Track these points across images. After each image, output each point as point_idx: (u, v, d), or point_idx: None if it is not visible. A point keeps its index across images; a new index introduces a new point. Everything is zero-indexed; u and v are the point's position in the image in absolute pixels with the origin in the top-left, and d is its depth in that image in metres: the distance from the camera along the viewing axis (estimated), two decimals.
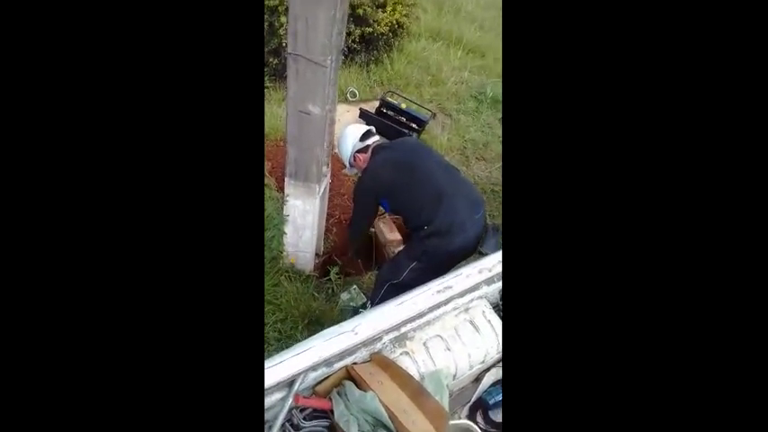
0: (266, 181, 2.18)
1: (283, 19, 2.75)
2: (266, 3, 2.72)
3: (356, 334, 0.97)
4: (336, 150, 1.86)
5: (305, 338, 1.62)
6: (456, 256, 1.63)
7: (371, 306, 1.77)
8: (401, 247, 1.87)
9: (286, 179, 1.62)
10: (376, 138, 1.77)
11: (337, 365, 0.97)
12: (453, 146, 2.93)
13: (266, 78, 3.01)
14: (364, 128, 1.78)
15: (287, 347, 1.59)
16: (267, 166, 2.31)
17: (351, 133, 1.74)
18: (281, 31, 2.78)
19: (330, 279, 1.89)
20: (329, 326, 1.67)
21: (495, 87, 3.45)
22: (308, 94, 1.37)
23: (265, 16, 2.77)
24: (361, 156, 1.70)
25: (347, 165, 1.80)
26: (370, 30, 3.15)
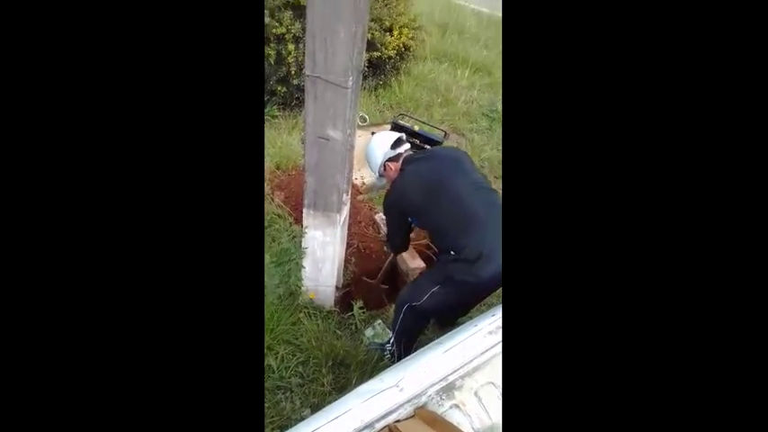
0: (280, 212, 2.07)
1: (291, 47, 2.72)
2: (274, 31, 2.70)
3: (401, 390, 0.83)
4: (365, 160, 1.75)
5: (330, 382, 1.48)
6: (483, 288, 1.48)
7: (393, 332, 1.62)
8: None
9: (304, 210, 1.51)
10: (407, 146, 1.67)
11: (378, 425, 0.83)
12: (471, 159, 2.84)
13: (276, 107, 2.97)
14: (395, 135, 1.66)
15: (311, 393, 1.45)
16: (281, 196, 2.21)
17: (381, 141, 1.63)
18: (290, 60, 2.75)
19: (353, 314, 1.75)
20: (356, 367, 1.53)
21: None
22: (327, 118, 1.28)
23: (273, 45, 2.75)
24: (392, 165, 1.60)
25: (376, 174, 1.69)
26: (378, 54, 3.13)
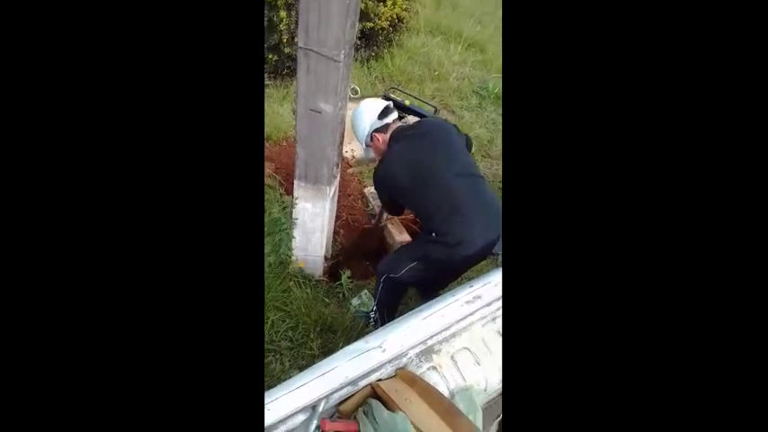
0: (271, 183, 2.09)
1: (283, 14, 2.66)
2: None
3: (384, 351, 0.90)
4: (352, 130, 1.69)
5: (318, 346, 1.56)
6: (460, 265, 1.55)
7: (374, 299, 1.69)
8: None
9: (295, 181, 1.54)
10: (395, 114, 1.61)
11: (362, 383, 0.90)
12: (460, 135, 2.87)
13: (266, 76, 2.92)
14: (383, 103, 1.59)
15: (300, 356, 1.53)
16: (271, 167, 2.23)
17: (368, 109, 1.56)
18: (282, 27, 2.69)
19: (341, 283, 1.82)
20: (342, 333, 1.62)
21: (497, 83, 3.40)
22: (319, 91, 1.29)
23: (264, 11, 2.67)
24: (379, 136, 1.54)
25: (362, 145, 1.63)
26: (371, 25, 3.07)
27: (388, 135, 1.54)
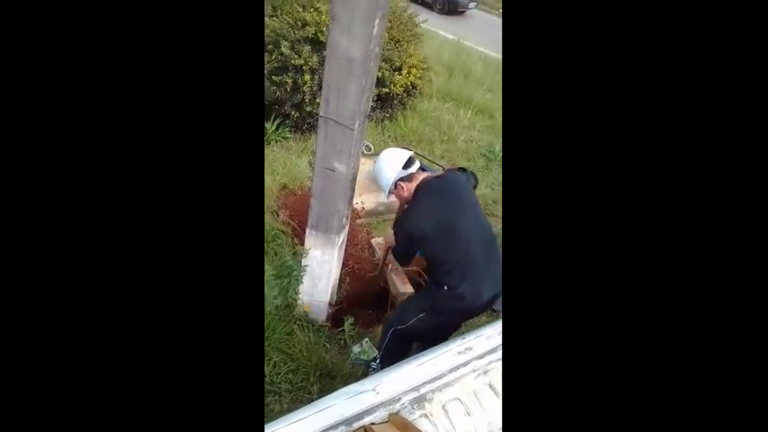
0: (283, 228, 2.23)
1: (307, 77, 2.96)
2: (293, 62, 2.94)
3: (377, 393, 0.97)
4: (375, 178, 1.75)
5: (316, 390, 1.60)
6: (464, 317, 1.65)
7: (379, 352, 1.74)
8: None
9: (307, 230, 1.68)
10: (417, 164, 1.66)
11: (356, 425, 0.96)
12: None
13: (288, 130, 3.18)
14: (407, 153, 1.64)
15: (299, 399, 1.57)
16: (286, 213, 2.38)
17: (393, 160, 1.61)
18: (305, 89, 2.98)
19: (343, 330, 1.88)
20: (341, 380, 1.66)
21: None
22: (335, 153, 1.46)
23: (291, 74, 2.98)
24: (404, 185, 1.60)
25: (385, 192, 1.67)
26: (387, 90, 3.36)
27: (414, 185, 1.61)
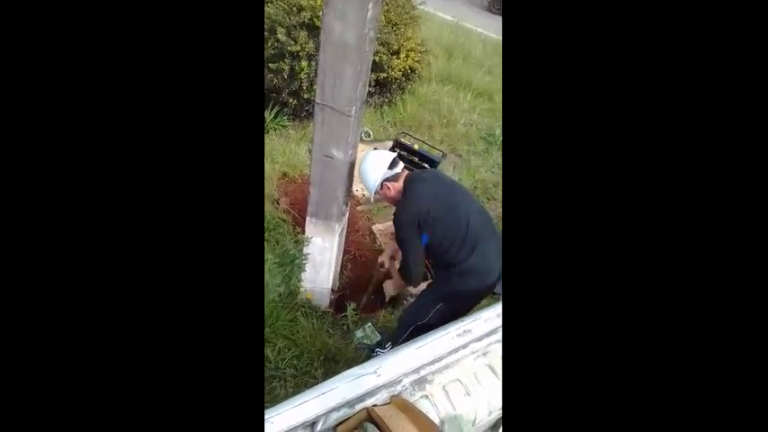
0: (284, 217, 2.25)
1: (304, 63, 2.92)
2: (290, 48, 2.91)
3: (378, 376, 0.99)
4: (360, 178, 1.74)
5: (321, 375, 1.64)
6: (481, 295, 1.66)
7: (393, 345, 1.76)
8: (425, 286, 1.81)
9: (307, 218, 1.69)
10: (401, 164, 1.72)
11: (358, 406, 0.99)
12: (464, 185, 3.01)
13: (286, 118, 3.16)
14: (390, 155, 1.68)
15: (303, 384, 1.61)
16: (287, 202, 2.39)
17: (377, 161, 1.65)
18: (302, 75, 2.95)
19: (345, 315, 1.91)
20: (345, 363, 1.69)
21: None
22: (332, 140, 1.46)
23: (287, 60, 2.95)
24: (391, 185, 1.64)
25: (371, 193, 1.70)
26: (385, 75, 3.32)
27: (400, 183, 1.65)
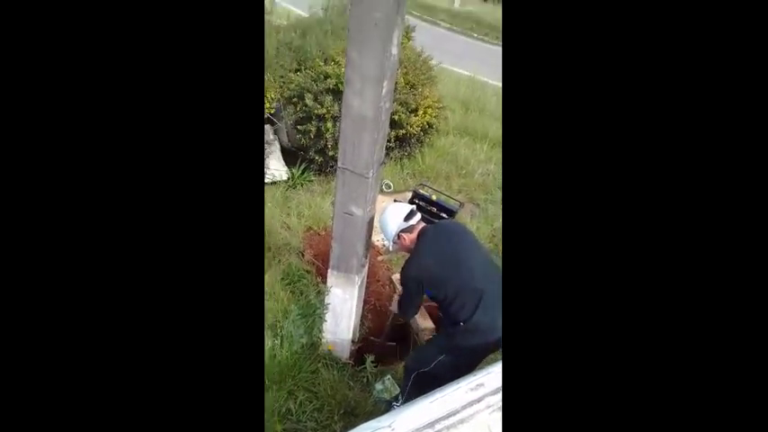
0: (309, 268, 2.35)
1: (329, 125, 3.18)
2: (316, 111, 3.18)
3: (393, 430, 1.02)
4: (380, 229, 1.87)
5: (340, 429, 1.65)
6: (486, 352, 1.68)
7: (402, 396, 1.78)
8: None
9: (329, 271, 1.79)
10: (418, 216, 1.81)
11: None
12: (482, 234, 3.05)
13: (311, 173, 3.38)
14: (407, 207, 1.79)
15: None
16: (311, 253, 2.51)
17: (394, 213, 1.77)
18: (327, 135, 3.20)
19: (365, 368, 1.93)
20: (364, 416, 1.70)
21: None
22: (351, 199, 1.59)
23: (314, 122, 3.21)
24: (406, 236, 1.75)
25: (390, 243, 1.82)
26: (404, 132, 3.53)
27: (414, 234, 1.76)
